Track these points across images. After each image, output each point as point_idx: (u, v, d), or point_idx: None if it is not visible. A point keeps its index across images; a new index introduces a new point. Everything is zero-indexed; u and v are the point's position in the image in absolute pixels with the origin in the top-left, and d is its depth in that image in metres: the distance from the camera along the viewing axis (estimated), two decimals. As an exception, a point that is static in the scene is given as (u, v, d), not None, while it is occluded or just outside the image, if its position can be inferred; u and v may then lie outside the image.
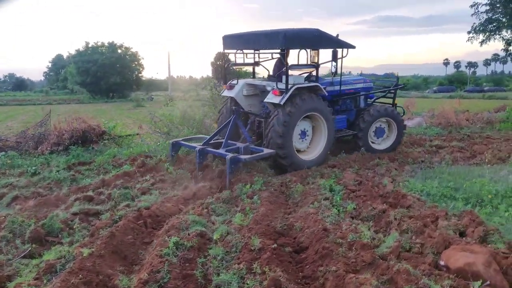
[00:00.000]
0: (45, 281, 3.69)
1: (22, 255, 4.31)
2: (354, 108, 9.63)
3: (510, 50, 21.31)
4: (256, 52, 8.52)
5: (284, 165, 7.74)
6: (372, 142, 9.50)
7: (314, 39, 8.00)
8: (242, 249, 4.20)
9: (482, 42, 21.25)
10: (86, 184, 7.19)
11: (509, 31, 20.41)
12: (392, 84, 10.49)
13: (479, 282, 3.24)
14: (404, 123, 9.88)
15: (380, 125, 9.53)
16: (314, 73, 8.64)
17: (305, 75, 9.00)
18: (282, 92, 7.55)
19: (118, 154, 9.38)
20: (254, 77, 9.72)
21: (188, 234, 4.51)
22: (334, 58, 8.32)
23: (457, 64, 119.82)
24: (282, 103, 7.46)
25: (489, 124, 14.06)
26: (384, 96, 10.30)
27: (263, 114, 8.31)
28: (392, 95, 10.12)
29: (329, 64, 8.74)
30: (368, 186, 6.47)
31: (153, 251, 4.24)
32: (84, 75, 51.87)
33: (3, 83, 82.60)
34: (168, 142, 10.17)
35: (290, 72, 8.02)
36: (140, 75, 57.68)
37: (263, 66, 8.86)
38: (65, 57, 68.31)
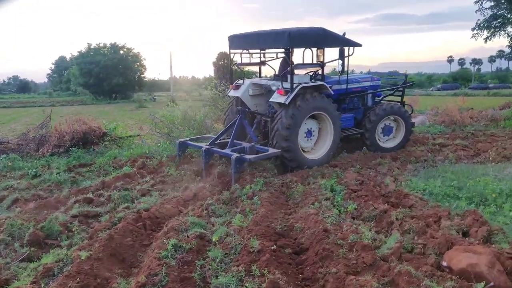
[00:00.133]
0: (42, 285, 3.67)
1: (21, 258, 4.29)
2: (362, 107, 9.59)
3: (516, 46, 21.17)
4: (262, 51, 8.53)
5: (290, 165, 7.72)
6: (380, 141, 9.45)
7: (319, 38, 7.96)
8: (241, 251, 4.15)
9: (486, 39, 21.11)
10: (87, 186, 7.17)
11: (514, 27, 20.27)
12: (400, 82, 10.44)
13: (482, 284, 3.17)
14: (412, 121, 9.84)
15: (388, 123, 9.48)
16: (319, 72, 8.59)
17: (311, 74, 8.97)
18: (287, 92, 7.54)
19: (118, 156, 9.36)
20: (260, 76, 9.70)
21: (187, 236, 4.47)
22: (341, 56, 8.29)
23: (461, 61, 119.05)
24: (287, 102, 7.45)
25: (494, 121, 13.89)
26: (392, 94, 10.26)
27: (269, 114, 8.30)
28: (401, 93, 10.12)
29: (332, 63, 8.71)
30: (369, 185, 6.41)
31: (151, 253, 4.21)
32: (87, 77, 52.06)
33: (8, 86, 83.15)
34: (168, 143, 10.20)
35: (296, 71, 7.99)
36: (142, 76, 57.82)
37: (270, 66, 8.87)
38: (68, 58, 68.64)
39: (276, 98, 7.69)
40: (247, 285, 3.48)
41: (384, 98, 10.24)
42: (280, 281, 3.45)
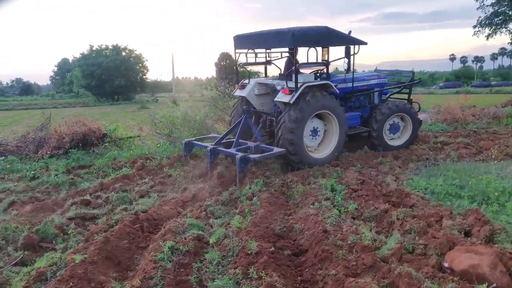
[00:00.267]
0: (35, 290, 3.60)
1: (14, 262, 4.22)
2: (368, 105, 9.53)
3: (517, 43, 21.03)
4: (267, 51, 8.51)
5: (295, 164, 7.67)
6: (387, 139, 9.37)
7: (323, 37, 7.91)
8: (239, 253, 4.07)
9: (488, 36, 21.00)
10: (85, 187, 7.10)
11: (515, 24, 20.13)
12: (407, 80, 10.37)
13: (484, 286, 3.08)
14: (419, 119, 9.78)
15: (396, 121, 9.40)
16: (324, 70, 8.54)
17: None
18: (291, 91, 7.50)
19: (118, 157, 9.30)
20: (266, 76, 9.67)
21: (185, 238, 4.40)
22: (346, 54, 8.24)
23: (463, 59, 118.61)
24: (291, 102, 7.41)
25: (496, 119, 13.75)
26: (399, 92, 10.18)
27: (274, 113, 8.27)
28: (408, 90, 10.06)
29: (336, 62, 8.67)
30: (370, 185, 6.31)
31: (147, 256, 4.13)
32: (89, 78, 52.18)
33: (11, 88, 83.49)
34: (168, 144, 10.14)
35: (300, 70, 7.93)
36: (144, 77, 57.91)
37: (275, 65, 8.84)
38: (70, 60, 68.82)
39: (281, 97, 7.67)
40: (244, 287, 3.40)
41: (391, 96, 10.17)
42: (277, 283, 3.37)
